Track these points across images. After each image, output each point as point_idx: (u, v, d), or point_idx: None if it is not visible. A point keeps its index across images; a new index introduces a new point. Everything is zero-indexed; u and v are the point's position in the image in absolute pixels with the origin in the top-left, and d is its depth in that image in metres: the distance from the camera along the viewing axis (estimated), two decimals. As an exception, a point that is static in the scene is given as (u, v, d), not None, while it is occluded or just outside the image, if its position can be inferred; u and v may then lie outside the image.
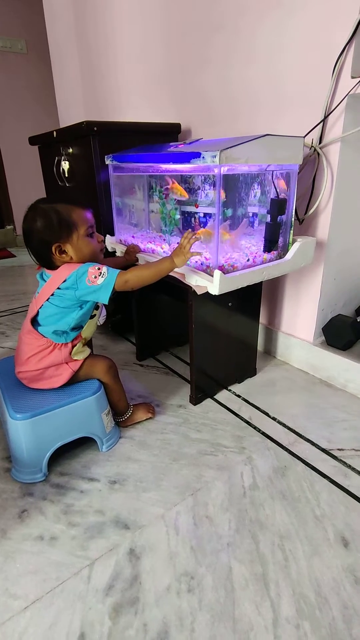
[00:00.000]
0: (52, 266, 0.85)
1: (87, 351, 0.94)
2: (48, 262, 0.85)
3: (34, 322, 0.88)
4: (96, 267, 0.82)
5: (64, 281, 0.82)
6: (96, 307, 0.92)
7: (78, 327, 0.89)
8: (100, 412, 0.91)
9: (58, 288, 0.83)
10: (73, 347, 0.89)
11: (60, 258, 0.84)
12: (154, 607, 0.62)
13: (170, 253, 0.87)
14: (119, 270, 0.83)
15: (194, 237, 0.84)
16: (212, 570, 0.67)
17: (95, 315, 0.93)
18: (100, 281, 0.81)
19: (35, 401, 0.86)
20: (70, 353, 0.89)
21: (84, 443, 0.95)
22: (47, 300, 0.85)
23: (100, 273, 0.81)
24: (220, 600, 0.63)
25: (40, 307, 0.86)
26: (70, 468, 0.90)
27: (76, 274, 0.81)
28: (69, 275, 0.82)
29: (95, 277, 0.81)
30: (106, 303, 0.83)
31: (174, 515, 0.77)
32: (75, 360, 0.90)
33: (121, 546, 0.71)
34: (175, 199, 1.04)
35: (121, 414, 1.00)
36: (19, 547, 0.72)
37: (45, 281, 0.86)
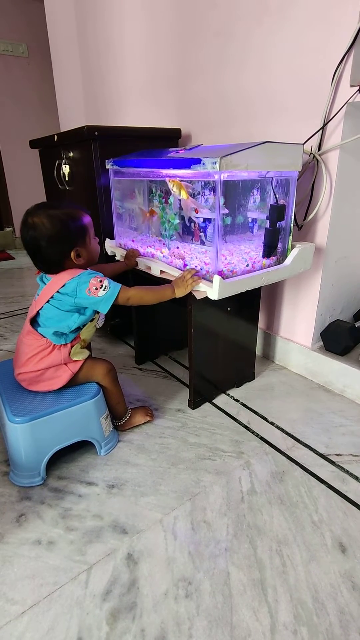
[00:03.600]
0: (58, 271, 0.85)
1: (87, 352, 0.94)
2: (58, 268, 0.85)
3: (34, 323, 0.89)
4: (98, 279, 0.82)
5: (63, 286, 0.83)
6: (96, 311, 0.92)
7: (77, 329, 0.90)
8: (99, 416, 0.91)
9: (57, 292, 0.84)
10: (72, 347, 0.89)
11: (76, 262, 0.85)
12: (152, 612, 0.62)
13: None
14: (121, 285, 0.84)
15: (195, 272, 0.91)
16: (209, 576, 0.67)
17: (94, 318, 0.93)
18: (102, 294, 0.82)
19: (34, 404, 0.86)
20: (70, 353, 0.89)
21: (82, 447, 0.95)
22: (47, 302, 0.85)
23: (102, 286, 0.82)
24: (218, 606, 0.63)
25: (41, 309, 0.86)
26: (69, 472, 0.89)
27: (77, 281, 0.82)
28: (68, 281, 0.82)
29: (97, 289, 0.82)
30: (105, 313, 0.85)
31: (172, 520, 0.77)
32: (75, 361, 0.90)
33: (119, 551, 0.71)
34: (178, 201, 1.05)
35: (119, 418, 1.00)
36: (17, 551, 0.72)
37: (46, 284, 0.86)
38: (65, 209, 0.83)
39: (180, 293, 0.91)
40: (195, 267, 0.97)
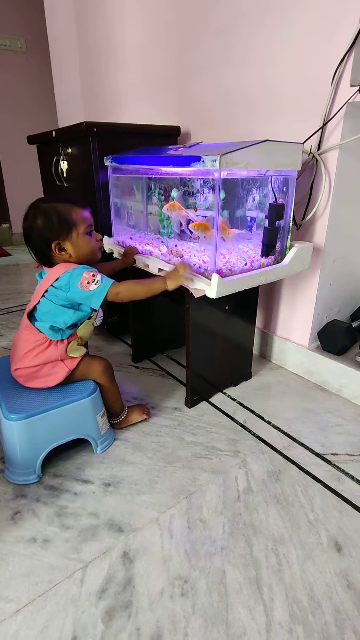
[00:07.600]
0: (51, 264, 0.86)
1: (83, 350, 0.94)
2: (48, 260, 0.87)
3: (32, 318, 0.89)
4: (91, 273, 0.82)
5: (57, 280, 0.83)
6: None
7: (73, 326, 0.89)
8: (95, 414, 0.91)
9: (52, 285, 0.84)
10: (68, 343, 0.89)
11: (59, 256, 0.85)
12: (148, 611, 0.62)
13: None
14: (113, 280, 0.84)
15: (189, 266, 0.91)
16: (205, 574, 0.67)
17: (92, 316, 0.93)
18: (93, 288, 0.82)
19: (30, 402, 0.85)
20: (66, 349, 0.89)
21: (78, 445, 0.94)
22: (43, 296, 0.85)
23: (94, 280, 0.82)
24: (214, 605, 0.63)
25: (38, 303, 0.86)
26: (64, 470, 0.89)
27: (70, 275, 0.82)
28: (62, 274, 0.82)
29: (89, 283, 0.81)
30: (96, 308, 0.84)
31: (168, 519, 0.77)
32: (72, 357, 0.90)
33: (115, 549, 0.71)
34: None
35: (116, 416, 1.00)
36: (12, 549, 0.71)
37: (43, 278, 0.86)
38: (56, 202, 0.84)
39: (172, 285, 0.88)
40: (194, 264, 0.97)
